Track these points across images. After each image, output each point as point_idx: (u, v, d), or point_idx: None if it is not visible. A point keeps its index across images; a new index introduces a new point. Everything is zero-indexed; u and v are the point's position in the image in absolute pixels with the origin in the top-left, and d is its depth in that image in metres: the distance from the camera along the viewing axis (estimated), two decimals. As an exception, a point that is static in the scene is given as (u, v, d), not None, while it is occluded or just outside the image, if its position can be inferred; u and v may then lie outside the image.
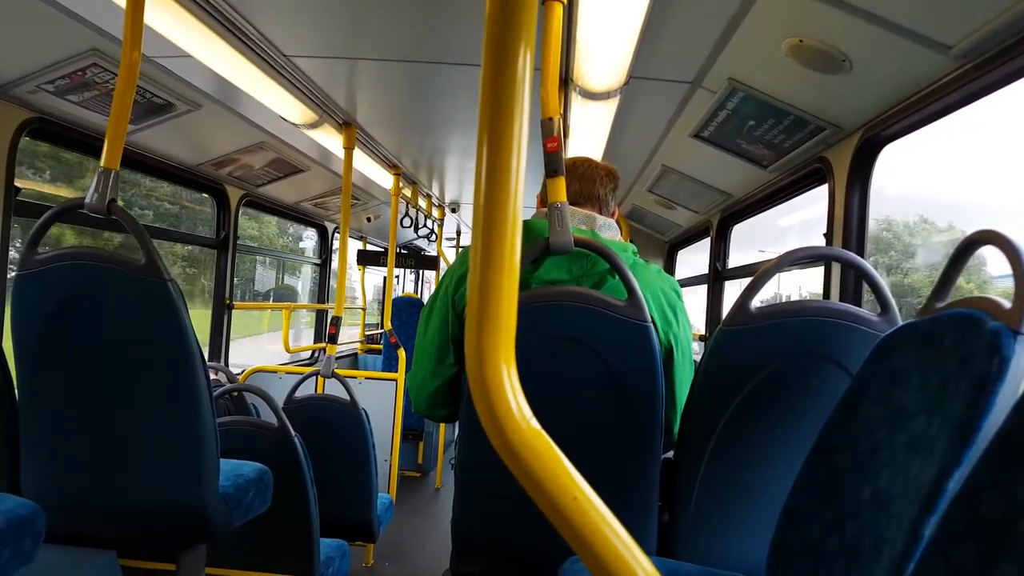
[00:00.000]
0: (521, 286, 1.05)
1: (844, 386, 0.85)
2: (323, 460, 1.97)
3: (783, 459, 1.05)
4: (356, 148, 2.56)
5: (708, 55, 1.59)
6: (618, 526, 0.41)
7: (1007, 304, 0.61)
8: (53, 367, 1.20)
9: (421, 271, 7.44)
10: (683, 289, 1.26)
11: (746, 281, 1.09)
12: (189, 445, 1.21)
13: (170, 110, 2.12)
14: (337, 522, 2.15)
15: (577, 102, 1.92)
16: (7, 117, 1.77)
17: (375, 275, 6.39)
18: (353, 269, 5.03)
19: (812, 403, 1.04)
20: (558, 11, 1.21)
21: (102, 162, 1.20)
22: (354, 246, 5.06)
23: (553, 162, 1.11)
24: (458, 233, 6.37)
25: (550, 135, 1.11)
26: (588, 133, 2.23)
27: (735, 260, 3.11)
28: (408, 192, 3.77)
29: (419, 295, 7.43)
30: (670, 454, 1.19)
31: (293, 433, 1.69)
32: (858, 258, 1.10)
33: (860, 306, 1.36)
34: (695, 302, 3.32)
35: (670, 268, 4.15)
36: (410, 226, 4.00)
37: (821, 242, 1.86)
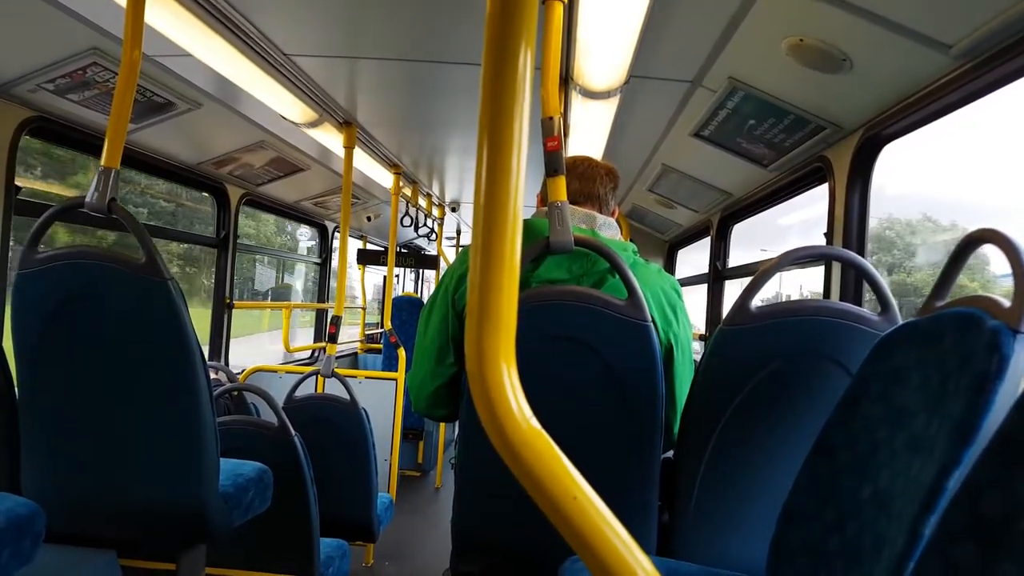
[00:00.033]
0: (521, 285, 1.05)
1: (844, 385, 0.85)
2: (323, 460, 1.97)
3: (783, 458, 1.05)
4: (356, 147, 2.56)
5: (708, 54, 1.59)
6: (618, 526, 0.41)
7: (1007, 303, 0.61)
8: (53, 366, 1.20)
9: (421, 270, 7.45)
10: (683, 288, 1.26)
11: (746, 280, 1.09)
12: (189, 445, 1.21)
13: (170, 109, 2.12)
14: (337, 522, 2.15)
15: (577, 101, 1.92)
16: (7, 116, 1.77)
17: (375, 274, 6.39)
18: (353, 268, 5.03)
19: (812, 402, 1.04)
20: (558, 10, 1.21)
21: (102, 161, 1.20)
22: (354, 245, 5.06)
23: (553, 161, 1.11)
24: (458, 232, 6.37)
25: (550, 134, 1.11)
26: (588, 132, 2.23)
27: (737, 259, 3.11)
28: (408, 191, 3.77)
29: (419, 295, 7.43)
30: (670, 454, 1.19)
31: (293, 433, 1.69)
32: (858, 257, 1.10)
33: (860, 305, 1.36)
34: (695, 301, 3.32)
35: (670, 267, 4.15)
36: (410, 225, 4.00)
37: (821, 241, 1.86)
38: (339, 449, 2.14)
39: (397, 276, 6.93)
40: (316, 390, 2.69)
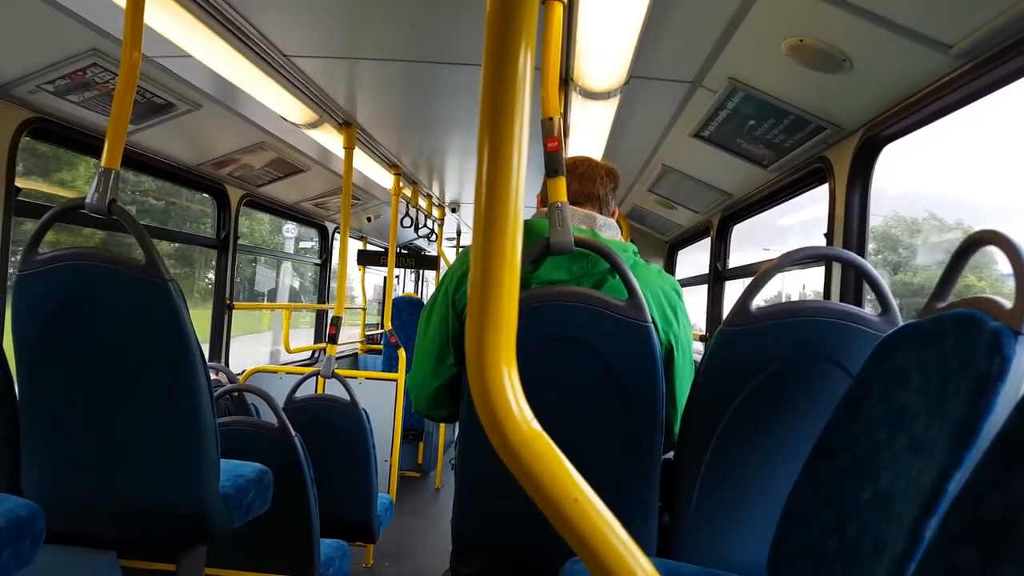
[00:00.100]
0: (521, 286, 1.05)
1: (844, 387, 0.85)
2: (323, 460, 1.97)
3: (783, 460, 1.05)
4: (356, 148, 2.55)
5: (708, 55, 1.59)
6: (619, 527, 0.41)
7: (1008, 304, 0.61)
8: (53, 367, 1.20)
9: (421, 271, 7.45)
10: (684, 289, 1.26)
11: (747, 281, 1.09)
12: (189, 445, 1.21)
13: (170, 110, 2.12)
14: (337, 522, 2.15)
15: (577, 102, 1.92)
16: (7, 117, 1.77)
17: (375, 275, 6.40)
18: (353, 269, 5.03)
19: (812, 404, 1.04)
20: (558, 11, 1.21)
21: (102, 162, 1.20)
22: (354, 246, 5.06)
23: (553, 162, 1.11)
24: (458, 233, 6.37)
25: (550, 135, 1.11)
26: (588, 133, 2.23)
27: (739, 259, 3.11)
28: (408, 192, 3.77)
29: (419, 295, 7.43)
30: (670, 454, 1.19)
31: (293, 433, 1.69)
32: (859, 258, 1.10)
33: (861, 306, 1.36)
34: (696, 301, 3.32)
35: (670, 268, 4.15)
36: (410, 226, 4.00)
37: (822, 242, 1.86)
38: (339, 450, 2.14)
39: (397, 277, 6.94)
40: (316, 391, 2.69)
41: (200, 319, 3.04)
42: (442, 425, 3.99)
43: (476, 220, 0.44)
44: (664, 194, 3.10)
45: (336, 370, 2.32)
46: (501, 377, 0.43)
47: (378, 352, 4.92)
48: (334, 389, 2.37)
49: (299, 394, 2.19)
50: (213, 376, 1.79)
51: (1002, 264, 0.63)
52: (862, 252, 1.72)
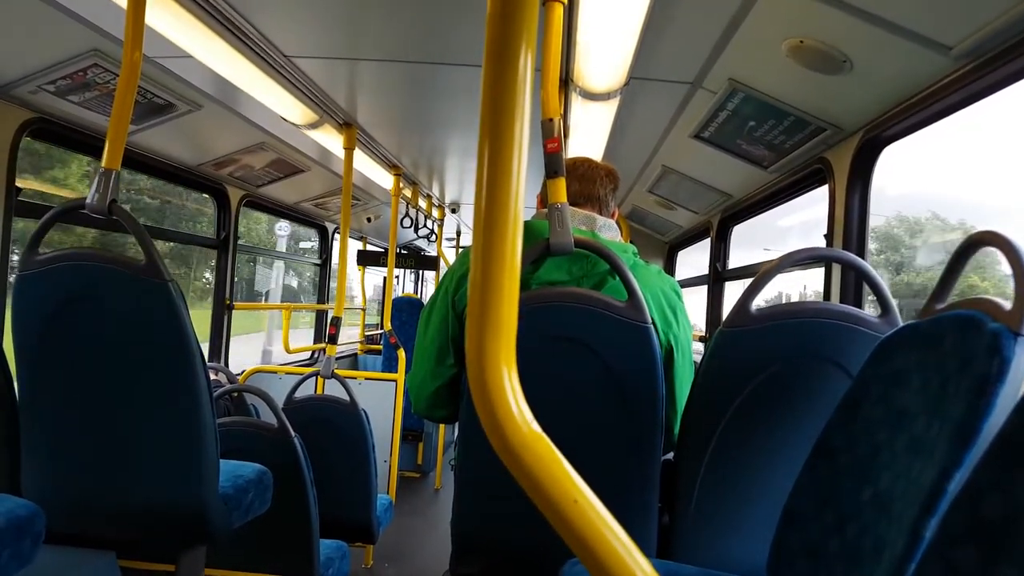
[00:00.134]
0: (521, 287, 1.05)
1: (844, 387, 0.85)
2: (323, 461, 1.97)
3: (783, 460, 1.05)
4: (356, 148, 2.56)
5: (708, 56, 1.59)
6: (619, 529, 0.41)
7: (1007, 305, 0.61)
8: (53, 367, 1.20)
9: (421, 271, 7.46)
10: (683, 290, 1.26)
11: (747, 281, 1.09)
12: (189, 446, 1.21)
13: (171, 110, 2.12)
14: (337, 523, 2.15)
15: (577, 103, 1.92)
16: (8, 117, 1.77)
17: (375, 275, 6.40)
18: (353, 269, 5.03)
19: (812, 404, 1.04)
20: (558, 12, 1.21)
21: (103, 163, 1.20)
22: (354, 246, 5.06)
23: (553, 163, 1.11)
24: (458, 233, 6.37)
25: (550, 136, 1.11)
26: (588, 134, 2.23)
27: (739, 259, 3.11)
28: (408, 192, 3.77)
29: (419, 295, 7.44)
30: (670, 455, 1.19)
31: (293, 434, 1.69)
32: (858, 259, 1.10)
33: (861, 307, 1.36)
34: (696, 302, 3.32)
35: (670, 269, 4.15)
36: (410, 226, 4.01)
37: (822, 243, 1.86)
38: (339, 450, 2.14)
39: (397, 277, 6.94)
40: (316, 391, 2.69)
41: (197, 319, 3.05)
42: (441, 426, 3.99)
43: (476, 221, 0.44)
44: (664, 195, 3.10)
45: (336, 370, 2.32)
46: (501, 378, 0.43)
47: (378, 352, 4.92)
48: (334, 389, 2.37)
49: (299, 394, 2.19)
50: (213, 376, 1.79)
51: (1006, 264, 0.63)
52: (862, 253, 1.72)
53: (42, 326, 1.17)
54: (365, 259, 4.96)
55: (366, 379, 3.04)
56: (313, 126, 2.37)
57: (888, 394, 0.76)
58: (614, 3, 1.34)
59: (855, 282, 1.75)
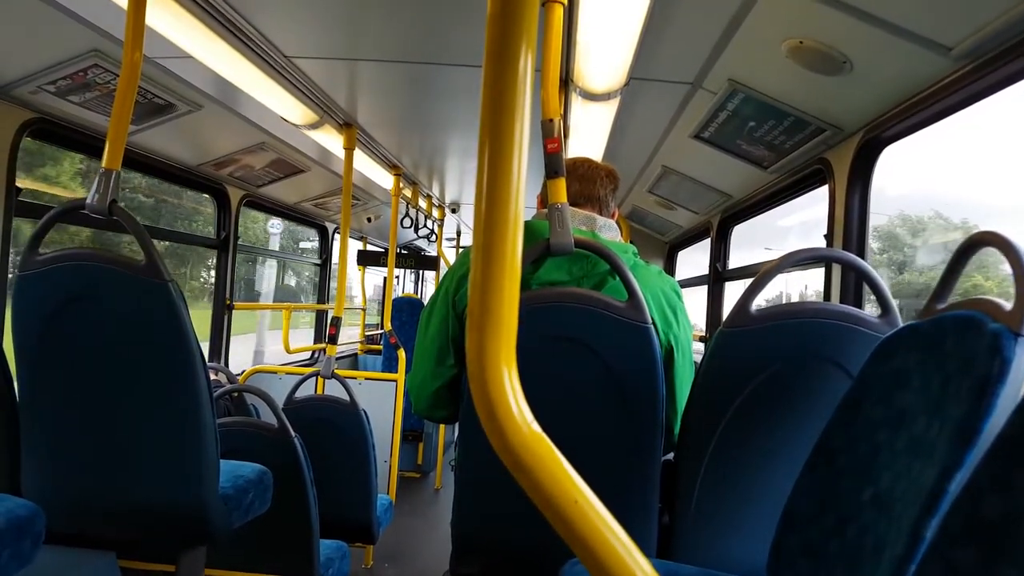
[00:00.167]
0: (521, 287, 1.05)
1: (845, 388, 0.85)
2: (323, 461, 1.97)
3: (783, 461, 1.05)
4: (356, 149, 2.56)
5: (708, 56, 1.59)
6: (619, 529, 0.41)
7: (1008, 306, 0.61)
8: (53, 367, 1.20)
9: (421, 271, 7.46)
10: (683, 290, 1.26)
11: (747, 282, 1.09)
12: (189, 446, 1.21)
13: (171, 111, 2.12)
14: (337, 523, 2.15)
15: (577, 103, 1.92)
16: (8, 117, 1.77)
17: (375, 275, 6.41)
18: (353, 269, 5.03)
19: (813, 405, 1.04)
20: (558, 12, 1.21)
21: (103, 163, 1.20)
22: (354, 246, 5.06)
23: (553, 163, 1.11)
24: (458, 233, 6.37)
25: (550, 136, 1.11)
26: (588, 134, 2.23)
27: (741, 259, 3.11)
28: (408, 192, 3.77)
29: (419, 295, 7.44)
30: (670, 455, 1.19)
31: (293, 434, 1.69)
32: (858, 259, 1.10)
33: (861, 307, 1.36)
34: (696, 302, 3.32)
35: (670, 269, 4.15)
36: (410, 226, 4.01)
37: (822, 243, 1.86)
38: (339, 450, 2.14)
39: (397, 277, 6.94)
40: (316, 391, 2.69)
41: (195, 319, 3.05)
42: (442, 426, 3.99)
43: (476, 221, 0.44)
44: (664, 195, 3.10)
45: (336, 370, 2.32)
46: (501, 378, 0.43)
47: (378, 352, 4.92)
48: (334, 390, 2.37)
49: (299, 395, 2.19)
50: (213, 376, 1.79)
51: (1008, 264, 0.63)
52: (862, 253, 1.72)
53: (42, 326, 1.17)
54: (365, 259, 4.96)
55: (366, 379, 3.04)
56: (313, 126, 2.37)
57: (888, 394, 0.76)
58: (614, 3, 1.34)
59: (855, 282, 1.75)
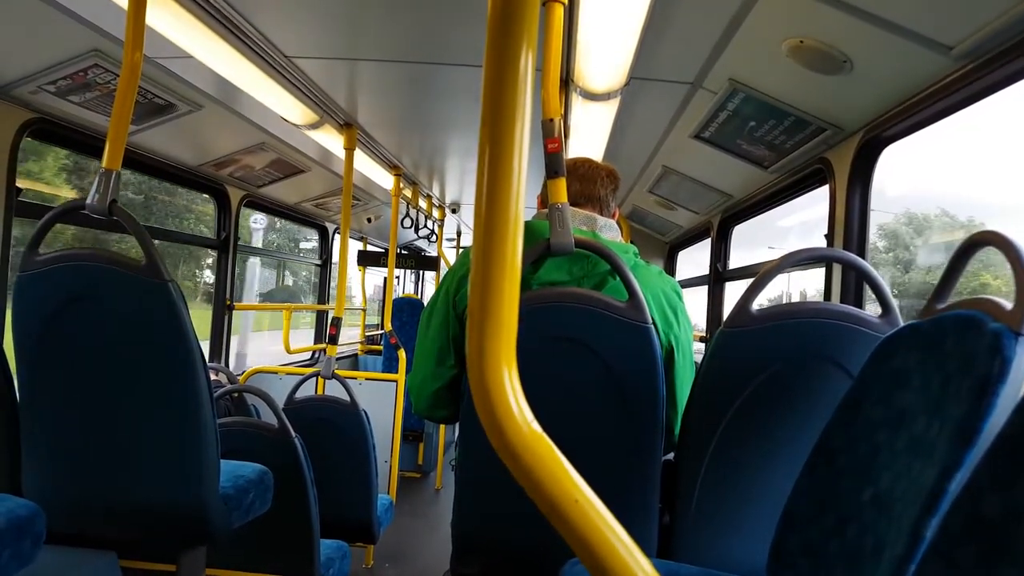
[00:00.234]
0: (522, 287, 1.05)
1: (845, 388, 0.85)
2: (323, 461, 1.97)
3: (784, 461, 1.05)
4: (357, 149, 2.56)
5: (708, 56, 1.59)
6: (619, 529, 0.41)
7: (1008, 305, 0.61)
8: (54, 367, 1.20)
9: (421, 272, 7.46)
10: (684, 290, 1.26)
11: (747, 282, 1.09)
12: (189, 446, 1.21)
13: (171, 111, 2.12)
14: (337, 523, 2.15)
15: (578, 103, 1.92)
16: (8, 117, 1.78)
17: (375, 275, 6.41)
18: (353, 269, 5.03)
19: (813, 405, 1.03)
20: (559, 12, 1.21)
21: (103, 163, 1.20)
22: (354, 247, 5.06)
23: (554, 163, 1.11)
24: (458, 234, 6.37)
25: (551, 136, 1.11)
26: (589, 134, 2.23)
27: (741, 259, 3.11)
28: (408, 193, 3.77)
29: (419, 296, 7.44)
30: (670, 455, 1.19)
31: (293, 434, 1.69)
32: (859, 259, 1.10)
33: (862, 307, 1.36)
34: (696, 302, 3.32)
35: (670, 269, 4.15)
36: (410, 227, 4.01)
37: (822, 243, 1.86)
38: (339, 451, 2.14)
39: (397, 278, 6.95)
40: (316, 391, 2.69)
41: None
42: (442, 426, 3.99)
43: (476, 221, 0.44)
44: (664, 195, 3.10)
45: (336, 371, 2.32)
46: (501, 378, 0.43)
47: (378, 353, 4.92)
48: (334, 390, 2.37)
49: (299, 395, 2.19)
50: (213, 376, 1.79)
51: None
52: (862, 253, 1.72)
53: (42, 326, 1.17)
54: (365, 259, 4.96)
55: (366, 379, 3.04)
56: (313, 126, 2.37)
57: (888, 394, 0.76)
58: (614, 3, 1.34)
59: (855, 282, 1.75)
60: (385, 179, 3.40)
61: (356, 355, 4.92)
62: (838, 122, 1.66)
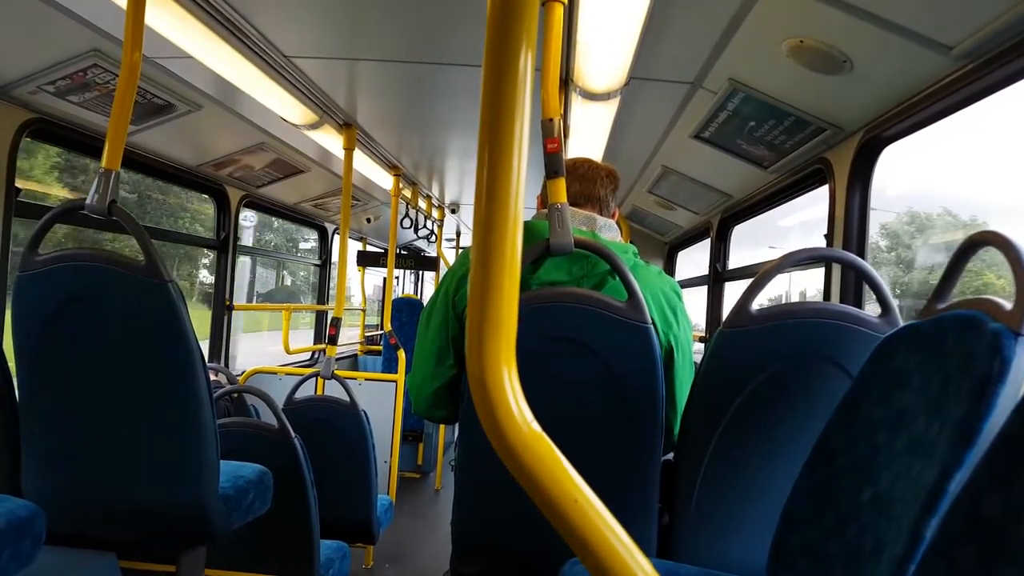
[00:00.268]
0: (521, 287, 1.05)
1: (844, 388, 0.85)
2: (323, 461, 1.97)
3: (783, 461, 1.05)
4: (356, 149, 2.56)
5: (708, 56, 1.59)
6: (619, 529, 0.41)
7: (1008, 305, 0.61)
8: (53, 368, 1.20)
9: (421, 272, 7.46)
10: (683, 290, 1.26)
11: (747, 282, 1.10)
12: (189, 446, 1.21)
13: (171, 111, 2.12)
14: (337, 523, 2.15)
15: (577, 103, 1.92)
16: (8, 118, 1.77)
17: (375, 275, 6.40)
18: (352, 270, 5.03)
19: (812, 405, 1.03)
20: (559, 12, 1.21)
21: (103, 163, 1.20)
22: (354, 247, 5.06)
23: (553, 163, 1.11)
24: (458, 234, 6.37)
25: (550, 136, 1.11)
26: (588, 134, 2.23)
27: (743, 259, 3.11)
28: (408, 193, 3.77)
29: (419, 296, 7.44)
30: (670, 456, 1.19)
31: (293, 434, 1.69)
32: (858, 259, 1.10)
33: (861, 307, 1.36)
34: (696, 302, 3.32)
35: (670, 269, 4.16)
36: (410, 227, 4.01)
37: (822, 243, 1.86)
38: (339, 451, 2.14)
39: (397, 278, 6.95)
40: (316, 392, 2.69)
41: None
42: (442, 426, 3.99)
43: (476, 221, 0.44)
44: (664, 195, 3.10)
45: (336, 371, 2.32)
46: (501, 378, 0.43)
47: (378, 353, 4.92)
48: (334, 390, 2.37)
49: (299, 395, 2.19)
50: (213, 377, 1.79)
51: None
52: (862, 253, 1.72)
53: (42, 326, 1.17)
54: (365, 260, 4.96)
55: (366, 380, 3.04)
56: (313, 126, 2.37)
57: (888, 394, 0.76)
58: (614, 3, 1.34)
59: (855, 282, 1.75)
60: (384, 179, 3.40)
61: (356, 355, 4.91)
62: (838, 122, 1.66)
